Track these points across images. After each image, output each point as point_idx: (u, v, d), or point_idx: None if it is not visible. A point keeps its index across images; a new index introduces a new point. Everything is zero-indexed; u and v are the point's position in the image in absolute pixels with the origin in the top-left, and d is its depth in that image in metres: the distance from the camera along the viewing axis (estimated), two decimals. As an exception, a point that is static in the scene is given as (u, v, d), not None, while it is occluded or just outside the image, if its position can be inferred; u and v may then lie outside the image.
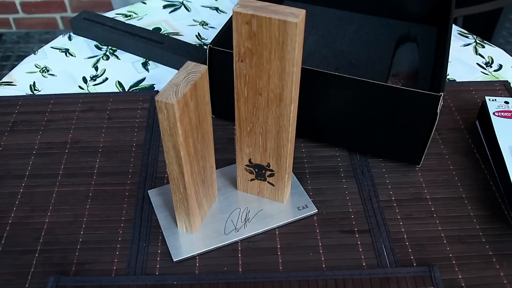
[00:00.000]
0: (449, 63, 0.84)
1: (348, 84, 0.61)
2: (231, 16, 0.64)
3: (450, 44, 0.68)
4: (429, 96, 0.58)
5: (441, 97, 0.57)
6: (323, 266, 0.55)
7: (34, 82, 0.81)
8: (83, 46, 0.90)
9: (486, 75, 0.82)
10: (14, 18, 2.31)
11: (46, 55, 0.88)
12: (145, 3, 1.02)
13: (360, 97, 0.61)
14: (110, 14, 0.98)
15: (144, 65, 0.85)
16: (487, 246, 0.57)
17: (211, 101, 0.70)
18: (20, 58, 2.21)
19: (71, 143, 0.70)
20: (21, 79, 0.82)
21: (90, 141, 0.70)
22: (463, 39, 0.91)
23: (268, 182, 0.59)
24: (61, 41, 0.91)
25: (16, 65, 0.86)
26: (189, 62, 0.47)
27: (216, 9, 1.01)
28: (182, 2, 1.02)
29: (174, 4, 1.02)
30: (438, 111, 0.58)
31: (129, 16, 0.98)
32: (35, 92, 0.79)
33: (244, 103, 0.52)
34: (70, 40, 0.91)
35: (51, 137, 0.70)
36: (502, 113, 0.68)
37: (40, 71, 0.84)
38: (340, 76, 0.60)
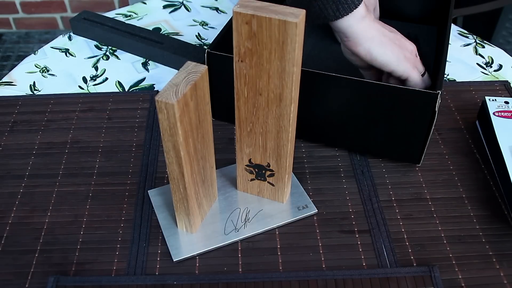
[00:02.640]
0: (449, 63, 0.84)
1: (347, 85, 0.61)
2: (230, 19, 0.64)
3: (448, 42, 0.68)
4: (427, 94, 0.58)
5: (439, 95, 0.57)
6: (323, 266, 0.55)
7: (34, 82, 0.81)
8: (83, 46, 0.90)
9: (486, 75, 0.82)
10: (14, 18, 2.31)
11: (46, 55, 0.88)
12: (145, 3, 1.02)
13: (359, 98, 0.61)
14: (110, 14, 0.98)
15: (144, 65, 0.85)
16: (487, 246, 0.57)
17: (210, 104, 0.70)
18: (20, 58, 2.21)
19: (71, 143, 0.70)
20: (21, 79, 0.82)
21: (90, 141, 0.70)
22: (463, 39, 0.91)
23: (268, 182, 0.59)
24: (61, 41, 0.91)
25: (16, 65, 0.86)
26: (189, 62, 0.48)
27: (216, 9, 1.01)
28: (182, 2, 1.02)
29: (174, 4, 1.02)
30: (436, 109, 0.58)
31: (129, 16, 0.98)
32: (35, 92, 0.79)
33: (244, 103, 0.52)
34: (70, 40, 0.91)
35: (51, 137, 0.70)
36: (502, 113, 0.68)
37: (40, 71, 0.84)
38: (339, 77, 0.60)
